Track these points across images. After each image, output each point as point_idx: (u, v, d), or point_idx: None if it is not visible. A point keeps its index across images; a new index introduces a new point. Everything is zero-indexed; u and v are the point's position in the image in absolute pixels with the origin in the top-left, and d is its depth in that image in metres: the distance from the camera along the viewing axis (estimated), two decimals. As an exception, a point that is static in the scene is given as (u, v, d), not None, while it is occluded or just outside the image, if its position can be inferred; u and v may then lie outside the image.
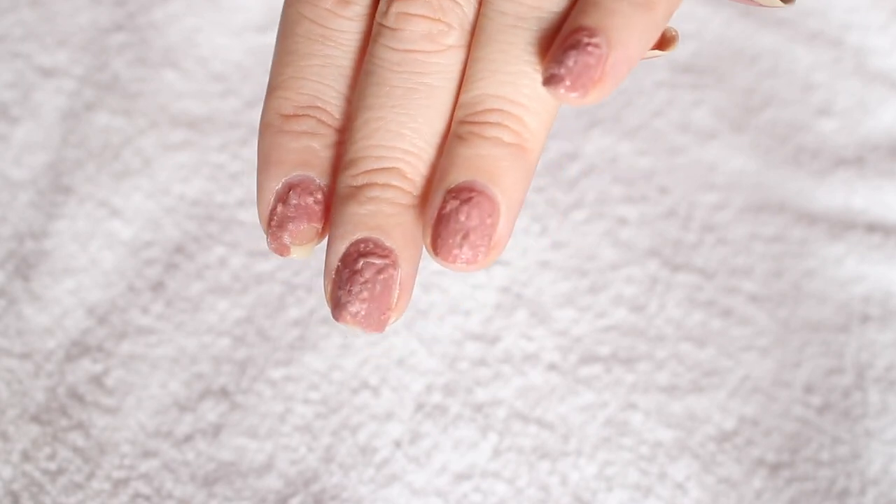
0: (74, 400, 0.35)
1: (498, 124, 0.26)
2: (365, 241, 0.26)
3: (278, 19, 0.31)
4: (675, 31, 0.27)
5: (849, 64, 0.43)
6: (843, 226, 0.40)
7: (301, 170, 0.27)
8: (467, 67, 0.27)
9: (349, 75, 0.27)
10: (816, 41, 0.44)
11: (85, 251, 0.37)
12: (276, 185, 0.27)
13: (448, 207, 0.25)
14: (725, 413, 0.36)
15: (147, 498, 0.34)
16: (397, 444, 0.35)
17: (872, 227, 0.40)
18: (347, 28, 0.27)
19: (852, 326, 0.38)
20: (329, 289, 0.26)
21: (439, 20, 0.26)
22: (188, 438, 0.35)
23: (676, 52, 0.43)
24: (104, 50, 0.41)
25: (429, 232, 0.26)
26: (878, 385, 0.37)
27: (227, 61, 0.42)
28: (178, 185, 0.39)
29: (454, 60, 0.27)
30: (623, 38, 0.25)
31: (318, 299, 0.37)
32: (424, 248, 0.26)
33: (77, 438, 0.34)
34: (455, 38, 0.26)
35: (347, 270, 0.26)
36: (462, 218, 0.25)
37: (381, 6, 0.27)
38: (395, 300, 0.26)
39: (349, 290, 0.26)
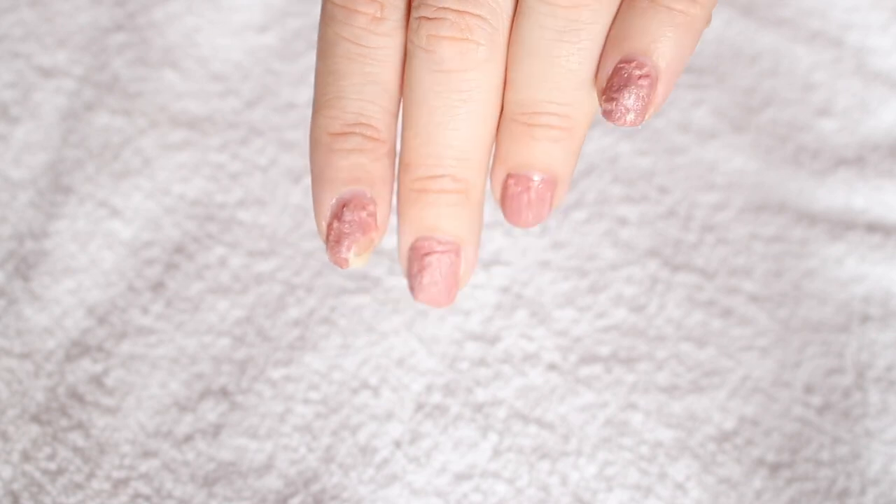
0: (74, 400, 0.35)
1: (547, 125, 0.28)
2: (427, 239, 0.30)
3: (278, 19, 0.31)
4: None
5: (849, 64, 0.43)
6: (843, 226, 0.40)
7: (353, 185, 0.29)
8: (511, 72, 0.28)
9: (391, 89, 0.29)
10: (817, 41, 0.44)
11: (85, 251, 0.37)
12: (330, 201, 0.29)
13: (512, 189, 0.30)
14: (726, 413, 0.36)
15: (147, 498, 0.34)
16: (397, 445, 0.35)
17: (873, 227, 0.40)
18: (384, 44, 0.29)
19: (853, 326, 0.38)
20: (406, 277, 0.31)
21: (467, 39, 0.28)
22: (188, 438, 0.35)
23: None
24: (104, 50, 0.41)
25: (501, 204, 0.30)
26: (879, 385, 0.37)
27: (227, 61, 0.42)
28: (178, 185, 0.39)
29: (489, 73, 0.28)
30: (670, 63, 0.27)
31: (318, 299, 0.37)
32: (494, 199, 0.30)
33: (77, 438, 0.34)
34: (485, 53, 0.28)
35: (417, 265, 0.30)
36: (526, 197, 0.30)
37: (413, 24, 0.28)
38: (462, 274, 0.30)
39: (421, 282, 0.30)
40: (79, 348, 0.36)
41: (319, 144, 0.29)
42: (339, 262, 0.29)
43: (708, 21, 0.28)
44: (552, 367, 0.36)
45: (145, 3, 0.42)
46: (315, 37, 0.42)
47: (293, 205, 0.39)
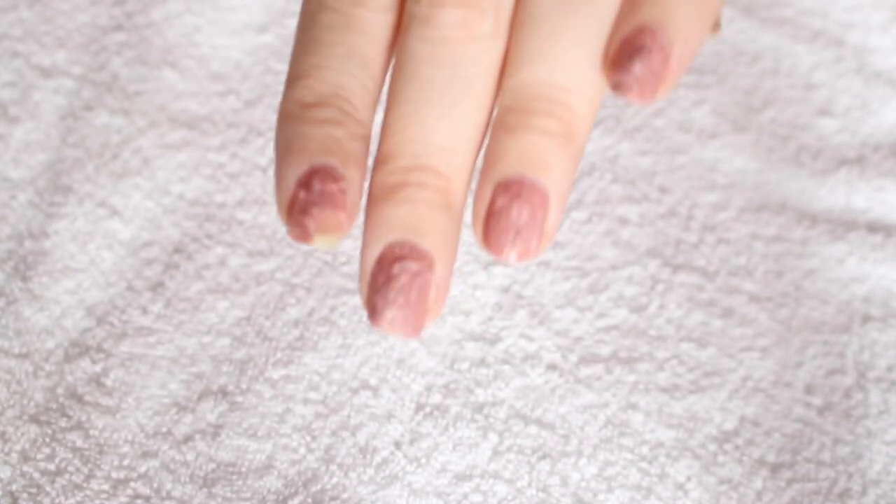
0: (73, 400, 0.35)
1: (546, 113, 0.25)
2: (400, 244, 0.25)
3: (278, 19, 0.31)
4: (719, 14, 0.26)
5: (850, 64, 0.43)
6: (844, 226, 0.40)
7: (324, 157, 0.25)
8: (511, 51, 0.25)
9: (375, 67, 0.26)
10: (818, 41, 0.44)
11: (84, 251, 0.37)
12: (296, 174, 0.25)
13: (499, 203, 0.25)
14: (726, 413, 0.36)
15: (146, 498, 0.34)
16: (397, 445, 0.35)
17: (874, 227, 0.40)
18: (373, 18, 0.26)
19: (854, 327, 0.38)
20: (365, 293, 0.25)
21: (472, 7, 0.25)
22: (188, 439, 0.35)
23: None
24: (103, 50, 0.41)
25: (479, 226, 0.25)
26: (880, 385, 0.37)
27: (227, 61, 0.42)
28: (178, 185, 0.39)
29: (490, 49, 0.25)
30: (684, 34, 0.25)
31: (317, 299, 0.37)
32: (475, 237, 0.26)
33: (76, 439, 0.34)
34: (490, 26, 0.25)
35: (383, 275, 0.25)
36: (514, 214, 0.25)
37: (410, 2, 0.26)
38: (432, 303, 0.25)
39: (385, 296, 0.25)
40: (78, 348, 0.36)
41: (289, 114, 0.26)
42: (303, 237, 0.25)
43: (723, 1, 0.26)
44: (552, 367, 0.36)
45: (144, 3, 0.42)
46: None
47: (293, 205, 0.39)
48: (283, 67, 0.41)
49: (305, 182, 0.25)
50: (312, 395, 0.35)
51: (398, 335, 0.25)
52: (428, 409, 0.36)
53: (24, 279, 0.37)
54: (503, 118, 0.25)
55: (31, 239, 0.37)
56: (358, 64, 0.26)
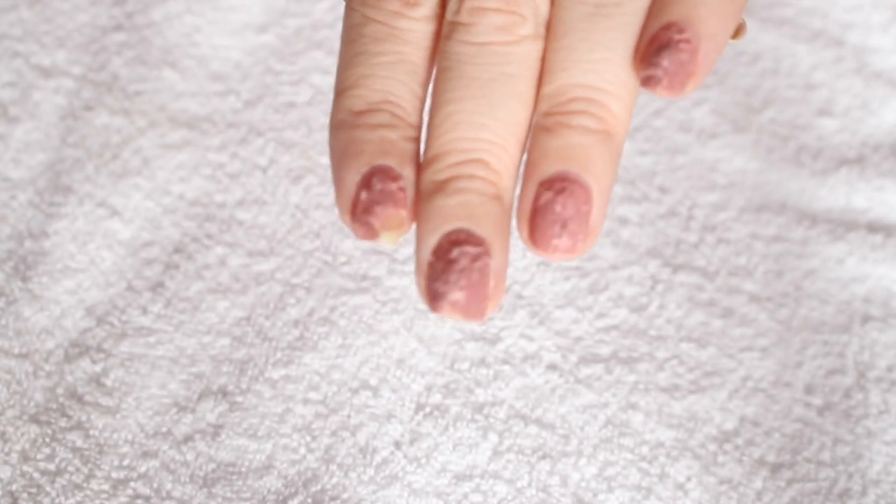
0: (73, 400, 0.35)
1: (584, 112, 0.26)
2: (457, 231, 0.26)
3: (278, 19, 0.31)
4: (743, 19, 0.27)
5: (850, 64, 0.43)
6: (844, 226, 0.40)
7: (382, 158, 0.26)
8: (547, 59, 0.27)
9: (421, 73, 0.28)
10: (818, 41, 0.44)
11: (84, 251, 0.37)
12: (356, 177, 0.26)
13: (543, 199, 0.26)
14: (726, 413, 0.36)
15: (146, 498, 0.34)
16: (397, 445, 0.35)
17: (874, 227, 0.40)
18: (416, 28, 0.28)
19: (853, 327, 0.38)
20: (423, 283, 0.26)
21: (513, 12, 0.27)
22: (188, 439, 0.35)
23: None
24: (103, 50, 0.41)
25: (525, 225, 0.26)
26: (880, 385, 0.37)
27: (227, 61, 0.42)
28: (178, 185, 0.39)
29: (531, 50, 0.27)
30: (711, 29, 0.26)
31: (317, 299, 0.37)
32: (521, 240, 0.26)
33: (76, 439, 0.34)
34: (530, 29, 0.27)
35: (442, 261, 0.26)
36: (559, 209, 0.26)
37: (452, 5, 0.27)
38: (492, 290, 0.26)
39: (446, 280, 0.25)
40: (78, 348, 0.36)
41: (343, 123, 0.27)
42: (369, 234, 0.26)
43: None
44: (552, 367, 0.36)
45: (144, 3, 0.42)
46: (316, 36, 0.42)
47: (293, 205, 0.39)
48: (284, 67, 0.41)
49: (366, 183, 0.26)
50: (312, 395, 0.35)
51: (461, 319, 0.26)
52: (428, 410, 0.35)
53: (24, 279, 0.37)
54: (542, 122, 0.26)
55: (31, 239, 0.37)
56: (405, 71, 0.27)
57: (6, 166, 0.39)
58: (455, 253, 0.25)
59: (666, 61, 0.26)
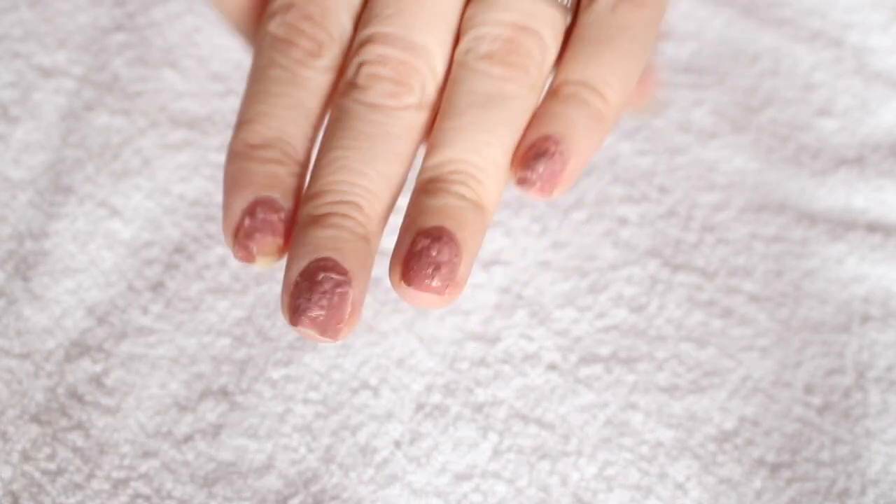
0: (74, 400, 0.35)
1: (463, 183, 0.29)
2: (325, 259, 0.28)
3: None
4: (655, 95, 0.30)
5: (850, 64, 0.43)
6: (843, 226, 0.40)
7: (267, 191, 0.30)
8: (436, 134, 0.30)
9: (313, 117, 0.31)
10: (817, 41, 0.44)
11: (84, 251, 0.37)
12: (243, 204, 0.29)
13: (420, 245, 0.29)
14: (726, 413, 0.36)
15: (147, 498, 0.34)
16: (397, 445, 0.35)
17: (873, 227, 0.40)
18: (315, 77, 0.31)
19: (853, 326, 0.38)
20: (287, 300, 0.29)
21: (403, 83, 0.30)
22: (188, 438, 0.35)
23: (677, 52, 0.43)
24: (104, 50, 0.41)
25: (399, 267, 0.29)
26: (879, 385, 0.37)
27: (227, 61, 0.42)
28: (178, 185, 0.39)
29: (414, 118, 0.30)
30: (581, 147, 0.30)
31: (318, 299, 0.37)
32: (392, 283, 0.29)
33: (77, 439, 0.34)
34: (415, 100, 0.30)
35: (308, 282, 0.28)
36: (434, 253, 0.29)
37: (352, 68, 0.30)
38: (347, 316, 0.28)
39: (309, 298, 0.28)
40: (78, 348, 0.36)
41: (238, 153, 0.30)
42: (247, 258, 0.30)
43: (616, 122, 0.31)
44: (552, 367, 0.36)
45: (145, 3, 0.42)
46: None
47: (293, 205, 0.39)
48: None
49: (251, 211, 0.29)
50: (313, 395, 0.35)
51: (315, 335, 0.28)
52: (428, 409, 0.36)
53: (25, 279, 0.37)
54: (424, 186, 0.30)
55: (31, 239, 0.38)
56: (300, 114, 0.30)
57: (7, 166, 0.39)
58: (320, 276, 0.28)
59: (541, 167, 0.29)
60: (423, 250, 0.29)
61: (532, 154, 0.30)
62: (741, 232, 0.39)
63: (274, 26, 0.31)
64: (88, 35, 0.41)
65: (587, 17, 0.31)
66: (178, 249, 0.38)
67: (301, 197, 0.30)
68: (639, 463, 0.35)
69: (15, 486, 0.34)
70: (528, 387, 0.36)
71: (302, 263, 0.29)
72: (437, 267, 0.29)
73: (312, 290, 0.28)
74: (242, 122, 0.31)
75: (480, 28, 0.31)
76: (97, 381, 0.35)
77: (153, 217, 0.38)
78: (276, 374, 0.36)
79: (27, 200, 0.38)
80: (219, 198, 0.39)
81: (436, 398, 0.36)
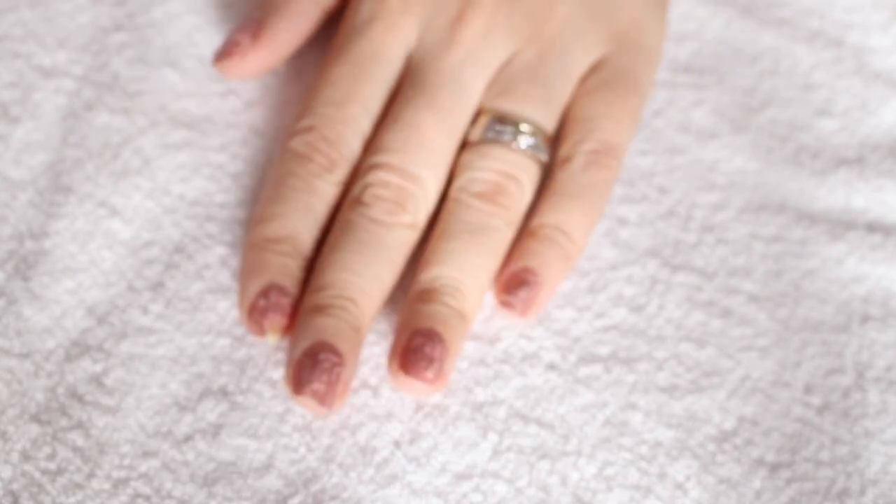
0: (74, 400, 0.35)
1: (450, 295, 0.35)
2: (325, 343, 0.34)
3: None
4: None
5: (850, 64, 0.43)
6: (843, 226, 0.40)
7: (279, 279, 0.35)
8: (431, 253, 0.36)
9: (321, 221, 0.36)
10: (817, 41, 0.44)
11: (84, 251, 0.37)
12: (258, 288, 0.35)
13: (416, 342, 0.34)
14: (725, 413, 0.36)
15: (147, 498, 0.34)
16: (397, 444, 0.35)
17: (873, 227, 0.40)
18: (326, 189, 0.36)
19: (852, 326, 0.38)
20: (291, 373, 0.34)
21: (400, 205, 0.36)
22: (188, 438, 0.35)
23: (676, 52, 0.43)
24: (104, 50, 0.41)
25: (397, 359, 0.34)
26: (878, 385, 0.37)
27: (227, 61, 0.42)
28: (178, 185, 0.39)
29: (406, 234, 0.36)
30: (552, 279, 0.36)
31: (317, 299, 0.37)
32: (390, 372, 0.35)
33: (77, 438, 0.34)
34: (409, 220, 0.36)
35: (310, 360, 0.34)
36: (428, 350, 0.34)
37: (358, 187, 0.36)
38: (340, 390, 0.34)
39: (311, 373, 0.34)
40: (78, 348, 0.36)
41: (256, 245, 0.36)
42: (258, 332, 0.35)
43: (580, 255, 0.37)
44: (552, 367, 0.36)
45: (145, 3, 0.42)
46: (315, 36, 0.42)
47: (293, 205, 0.39)
48: (283, 67, 0.41)
49: (265, 294, 0.35)
50: (312, 395, 0.35)
51: (314, 405, 0.34)
52: (427, 409, 0.36)
53: (25, 279, 0.37)
54: (419, 295, 0.35)
55: (31, 239, 0.38)
56: (311, 217, 0.36)
57: (7, 166, 0.39)
58: (322, 356, 0.34)
59: (523, 294, 0.36)
60: (418, 346, 0.34)
61: (514, 282, 0.36)
62: (741, 232, 0.39)
63: (296, 143, 0.37)
64: (88, 35, 0.41)
65: (562, 174, 0.38)
66: (178, 249, 0.38)
67: (304, 288, 0.36)
68: (638, 463, 0.35)
69: (15, 486, 0.34)
70: (528, 387, 0.36)
71: (305, 344, 0.34)
72: (431, 361, 0.34)
73: (314, 367, 0.34)
74: (261, 219, 0.36)
75: (474, 171, 0.37)
76: (97, 380, 0.35)
77: (153, 217, 0.38)
78: (276, 374, 0.36)
79: (27, 200, 0.38)
80: (219, 198, 0.39)
81: (435, 398, 0.36)
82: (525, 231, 0.37)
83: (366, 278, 0.35)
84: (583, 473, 0.35)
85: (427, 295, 0.35)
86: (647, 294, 0.38)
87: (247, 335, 0.36)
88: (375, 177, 0.36)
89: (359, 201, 0.36)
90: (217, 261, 0.37)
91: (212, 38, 0.41)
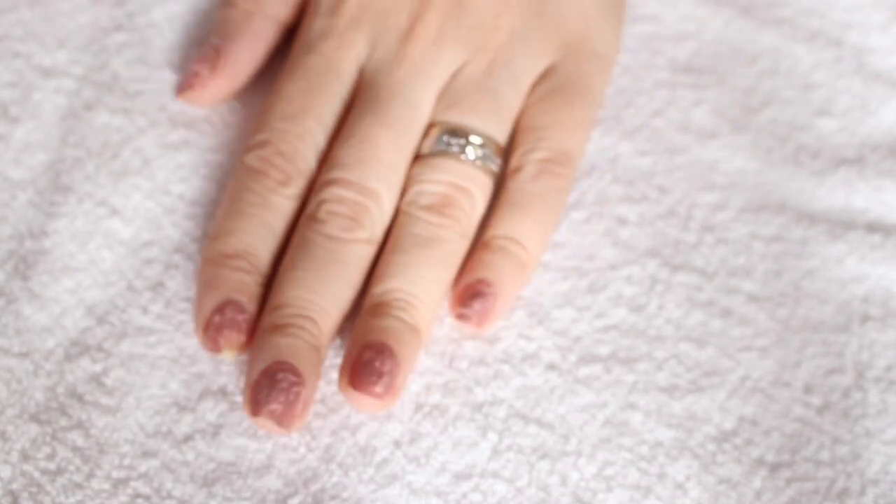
0: (74, 399, 0.35)
1: (402, 308, 0.35)
2: (284, 362, 0.34)
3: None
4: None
5: (849, 64, 0.43)
6: (843, 226, 0.40)
7: (235, 294, 0.35)
8: (382, 267, 0.36)
9: (278, 236, 0.36)
10: (817, 41, 0.44)
11: (84, 251, 0.37)
12: (213, 304, 0.35)
13: (366, 356, 0.34)
14: (725, 413, 0.36)
15: (147, 498, 0.34)
16: (397, 444, 0.35)
17: (873, 227, 0.40)
18: (281, 203, 0.36)
19: (852, 326, 0.38)
20: (249, 394, 0.34)
21: (355, 220, 0.36)
22: (188, 438, 0.35)
23: (676, 52, 0.43)
24: (104, 50, 0.41)
25: (347, 374, 0.34)
26: (878, 385, 0.37)
27: (227, 61, 0.42)
28: (178, 185, 0.39)
29: (363, 249, 0.36)
30: (507, 290, 0.36)
31: (317, 299, 0.37)
32: (340, 387, 0.34)
33: (76, 438, 0.34)
34: (365, 235, 0.36)
35: (268, 379, 0.33)
36: (377, 364, 0.34)
37: (313, 204, 0.36)
38: (299, 410, 0.34)
39: (269, 394, 0.33)
40: (78, 348, 0.36)
41: (211, 261, 0.36)
42: (214, 349, 0.35)
43: (536, 267, 0.37)
44: (551, 367, 0.36)
45: (145, 3, 0.42)
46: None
47: (293, 204, 0.39)
48: (283, 66, 0.41)
49: (220, 310, 0.35)
50: (312, 395, 0.35)
51: (272, 426, 0.33)
52: (427, 409, 0.36)
53: (25, 278, 0.37)
54: (371, 310, 0.35)
55: (31, 238, 0.38)
56: (268, 233, 0.36)
57: (6, 166, 0.39)
58: (280, 376, 0.33)
59: (478, 305, 0.36)
60: (368, 361, 0.34)
61: (469, 294, 0.36)
62: (741, 232, 0.39)
63: (250, 159, 0.37)
64: (88, 35, 0.41)
65: (512, 184, 0.38)
66: (178, 249, 0.38)
67: (261, 302, 0.36)
68: (638, 463, 0.35)
69: (14, 486, 0.34)
70: (528, 386, 0.36)
71: (262, 364, 0.34)
72: (380, 375, 0.34)
73: (272, 388, 0.33)
74: (218, 235, 0.36)
75: (423, 185, 0.37)
76: (97, 380, 0.35)
77: (153, 217, 0.38)
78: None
79: (27, 200, 0.38)
80: (218, 197, 0.39)
81: (435, 398, 0.36)
82: (479, 243, 0.37)
83: (324, 297, 0.35)
84: (583, 473, 0.35)
85: (379, 309, 0.35)
86: (647, 294, 0.38)
87: (246, 335, 0.36)
88: (331, 192, 0.36)
89: (314, 218, 0.36)
90: (217, 261, 0.37)
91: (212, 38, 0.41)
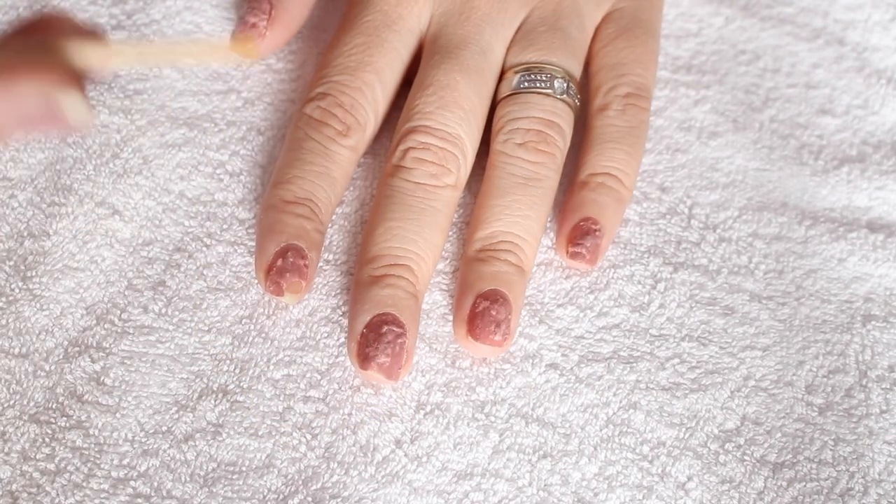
0: (73, 399, 0.35)
1: (509, 251, 0.36)
2: (387, 314, 0.34)
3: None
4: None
5: (851, 62, 0.43)
6: (845, 225, 0.40)
7: (296, 240, 0.35)
8: (482, 210, 0.37)
9: (338, 186, 0.37)
10: (819, 40, 0.44)
11: (84, 250, 0.37)
12: (275, 248, 0.35)
13: (481, 306, 0.35)
14: (727, 412, 0.36)
15: (146, 497, 0.34)
16: (398, 443, 0.35)
17: (875, 227, 0.40)
18: (342, 153, 0.37)
19: (855, 326, 0.38)
20: (355, 347, 0.34)
21: (442, 166, 0.37)
22: (188, 438, 0.34)
23: (677, 51, 0.43)
24: (104, 49, 0.41)
25: (463, 325, 0.35)
26: (881, 384, 0.37)
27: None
28: (178, 184, 0.39)
29: (451, 195, 0.37)
30: (612, 225, 0.37)
31: (318, 299, 0.37)
32: (456, 337, 0.36)
33: (76, 438, 0.34)
34: (452, 180, 0.37)
35: (374, 333, 0.34)
36: (494, 313, 0.35)
37: (398, 153, 0.37)
38: (405, 360, 0.34)
39: (376, 347, 0.34)
40: (78, 347, 0.36)
41: (272, 207, 0.36)
42: (277, 292, 0.35)
43: (630, 197, 0.38)
44: (553, 366, 0.36)
45: (144, 2, 0.42)
46: (315, 35, 0.42)
47: (293, 204, 0.39)
48: (284, 66, 0.41)
49: (282, 254, 0.35)
50: (313, 394, 0.35)
51: (382, 378, 0.34)
52: (429, 408, 0.35)
53: (24, 279, 0.37)
54: (476, 255, 0.36)
55: (31, 238, 0.37)
56: (327, 182, 0.37)
57: (6, 166, 0.39)
58: (384, 329, 0.34)
59: (589, 243, 0.37)
60: (484, 310, 0.35)
61: (579, 233, 0.37)
62: (743, 231, 0.39)
63: (310, 109, 0.38)
64: (88, 34, 0.41)
65: (601, 121, 0.39)
66: (179, 248, 0.38)
67: (321, 249, 0.36)
68: (640, 462, 0.35)
69: (14, 486, 0.34)
70: (529, 386, 0.36)
71: (366, 318, 0.34)
72: (498, 324, 0.35)
73: (379, 341, 0.34)
74: (278, 182, 0.37)
75: (515, 122, 0.37)
76: (96, 380, 0.35)
77: (153, 216, 0.38)
78: (276, 373, 0.36)
79: (27, 200, 0.38)
80: (219, 196, 0.38)
81: (437, 397, 0.36)
82: (576, 182, 0.38)
83: (418, 245, 0.36)
84: (584, 473, 0.35)
85: (485, 253, 0.36)
86: (649, 293, 0.38)
87: (248, 333, 0.36)
88: (415, 140, 0.37)
89: (400, 167, 0.37)
90: (217, 259, 0.37)
91: (211, 37, 0.41)
